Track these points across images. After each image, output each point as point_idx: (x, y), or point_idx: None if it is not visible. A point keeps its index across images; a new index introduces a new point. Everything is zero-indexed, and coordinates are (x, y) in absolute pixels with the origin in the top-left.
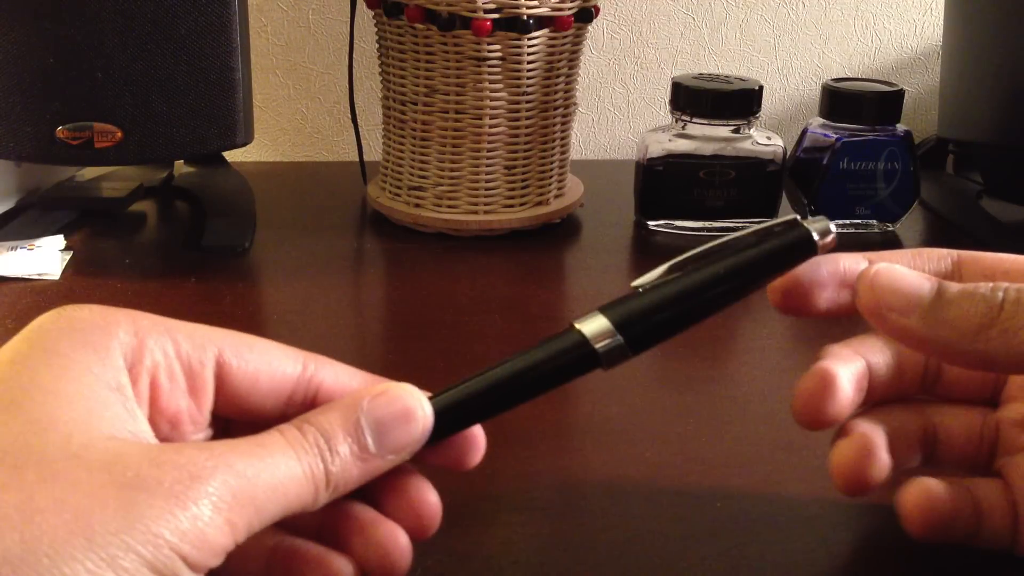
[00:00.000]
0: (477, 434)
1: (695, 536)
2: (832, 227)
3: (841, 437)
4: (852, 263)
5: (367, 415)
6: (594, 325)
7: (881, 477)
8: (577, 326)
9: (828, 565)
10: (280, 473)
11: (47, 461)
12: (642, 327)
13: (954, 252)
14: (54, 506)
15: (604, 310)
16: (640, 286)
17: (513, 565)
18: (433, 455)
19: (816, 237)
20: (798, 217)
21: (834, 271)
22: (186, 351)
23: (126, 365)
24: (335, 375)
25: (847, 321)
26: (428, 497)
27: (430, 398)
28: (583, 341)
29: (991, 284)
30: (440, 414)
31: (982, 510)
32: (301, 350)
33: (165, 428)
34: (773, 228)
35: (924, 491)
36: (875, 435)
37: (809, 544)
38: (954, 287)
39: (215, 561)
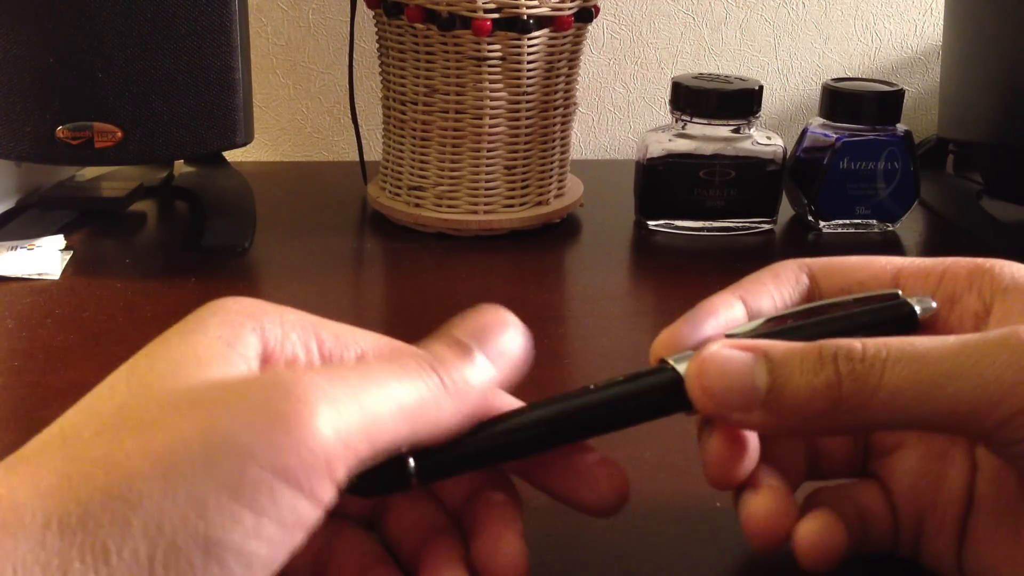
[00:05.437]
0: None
1: (695, 536)
2: (933, 304)
3: (748, 490)
4: (726, 308)
5: (460, 329)
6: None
7: (791, 527)
8: (672, 363)
9: None
10: (391, 385)
11: (146, 411)
12: None
13: (807, 264)
14: (139, 451)
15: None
16: (733, 335)
17: None
18: (569, 488)
19: (919, 311)
20: (899, 292)
21: (716, 326)
22: (329, 348)
23: (267, 351)
24: None
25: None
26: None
27: (519, 410)
28: (678, 378)
29: (819, 352)
30: (523, 428)
31: (867, 518)
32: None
33: None
34: (874, 298)
35: (821, 528)
36: (785, 488)
37: None
38: (784, 361)
39: (324, 484)
